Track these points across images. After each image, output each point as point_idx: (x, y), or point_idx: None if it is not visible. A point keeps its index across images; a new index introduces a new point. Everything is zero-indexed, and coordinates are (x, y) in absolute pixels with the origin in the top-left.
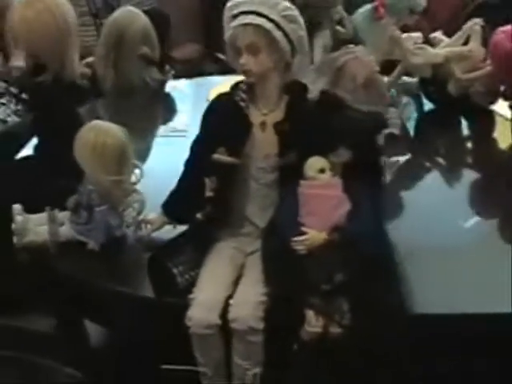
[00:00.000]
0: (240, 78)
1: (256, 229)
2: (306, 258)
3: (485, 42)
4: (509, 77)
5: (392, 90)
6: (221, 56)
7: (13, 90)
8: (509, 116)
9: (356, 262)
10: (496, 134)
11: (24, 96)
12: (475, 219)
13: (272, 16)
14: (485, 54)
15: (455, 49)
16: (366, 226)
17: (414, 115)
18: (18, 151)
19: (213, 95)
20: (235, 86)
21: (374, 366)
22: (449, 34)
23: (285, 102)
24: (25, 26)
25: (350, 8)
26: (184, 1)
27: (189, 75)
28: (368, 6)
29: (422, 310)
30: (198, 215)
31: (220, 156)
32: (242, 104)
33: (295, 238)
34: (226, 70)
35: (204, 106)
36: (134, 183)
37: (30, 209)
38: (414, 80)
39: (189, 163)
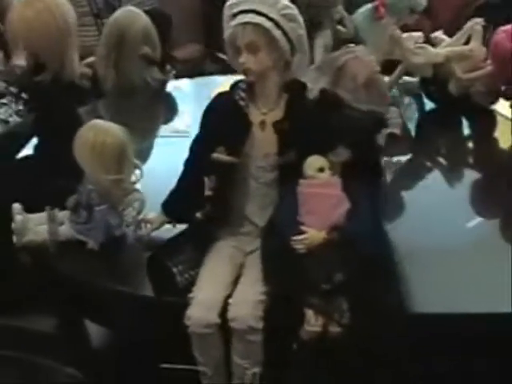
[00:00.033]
0: (242, 77)
1: (255, 228)
2: (306, 257)
3: (486, 42)
4: (510, 77)
5: (394, 90)
6: (222, 56)
7: (12, 89)
8: (509, 116)
9: (355, 261)
10: (497, 134)
11: (24, 95)
12: (478, 219)
13: (271, 15)
14: (486, 54)
15: (456, 48)
16: (365, 225)
17: (416, 116)
18: (18, 151)
19: None
20: (235, 85)
21: (374, 365)
22: (450, 34)
23: (284, 101)
24: (24, 25)
25: (351, 8)
26: (185, 1)
27: (190, 75)
28: (368, 6)
29: (422, 309)
30: (198, 214)
31: (219, 155)
32: (242, 103)
33: (294, 237)
34: (226, 70)
35: None
36: (134, 182)
37: (29, 208)
38: (415, 80)
39: (188, 162)
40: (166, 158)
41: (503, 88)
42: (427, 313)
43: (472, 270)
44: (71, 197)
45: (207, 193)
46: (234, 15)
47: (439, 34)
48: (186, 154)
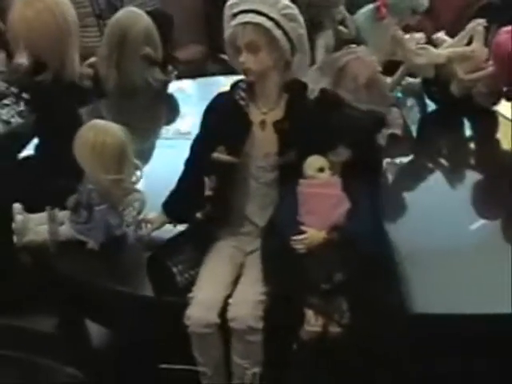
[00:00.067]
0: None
1: (256, 228)
2: (306, 257)
3: (488, 43)
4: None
5: (399, 92)
6: (224, 57)
7: (13, 89)
8: (511, 117)
9: (355, 261)
10: (498, 135)
11: (25, 95)
12: (481, 222)
13: (272, 14)
14: (487, 55)
15: (458, 49)
16: (366, 225)
17: (418, 117)
18: (20, 152)
19: None
20: (235, 85)
21: (374, 365)
22: (453, 35)
23: (284, 101)
24: (25, 25)
25: (352, 8)
26: (187, 2)
27: (192, 76)
28: (370, 6)
29: (422, 310)
30: (198, 214)
31: (219, 155)
32: (242, 103)
33: (294, 237)
34: (228, 71)
35: None
36: (134, 183)
37: (30, 208)
38: (417, 80)
39: (189, 162)
40: (169, 158)
41: (505, 89)
42: (428, 313)
43: (473, 270)
44: (71, 197)
45: (207, 193)
46: (235, 15)
47: (441, 34)
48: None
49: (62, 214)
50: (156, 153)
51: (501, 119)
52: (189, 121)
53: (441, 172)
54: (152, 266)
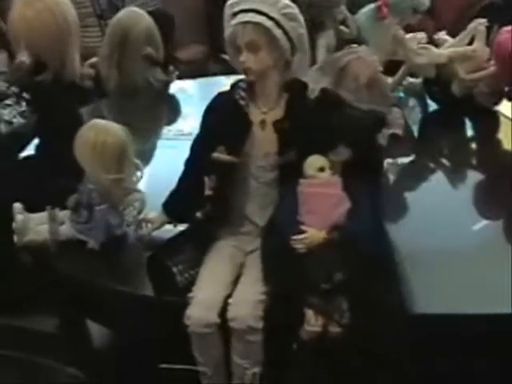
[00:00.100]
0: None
1: (256, 228)
2: (306, 256)
3: (490, 43)
4: None
5: (401, 92)
6: (225, 57)
7: (14, 89)
8: None
9: (355, 260)
10: (500, 135)
11: (25, 95)
12: (483, 223)
13: (272, 14)
14: (489, 55)
15: (459, 49)
16: (366, 225)
17: (419, 117)
18: (21, 152)
19: None
20: (235, 85)
21: (374, 365)
22: (454, 35)
23: (285, 101)
24: (25, 25)
25: (354, 8)
26: (188, 2)
27: (193, 76)
28: (371, 6)
29: (423, 310)
30: (198, 214)
31: (219, 155)
32: (242, 102)
33: (294, 237)
34: (230, 71)
35: None
36: (135, 182)
37: (30, 208)
38: (419, 80)
39: (189, 162)
40: (170, 159)
41: (506, 89)
42: (428, 313)
43: (474, 270)
44: (72, 196)
45: (207, 192)
46: (235, 14)
47: (442, 34)
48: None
49: (63, 214)
50: (158, 153)
51: (502, 119)
52: (191, 121)
53: (442, 172)
54: (152, 265)
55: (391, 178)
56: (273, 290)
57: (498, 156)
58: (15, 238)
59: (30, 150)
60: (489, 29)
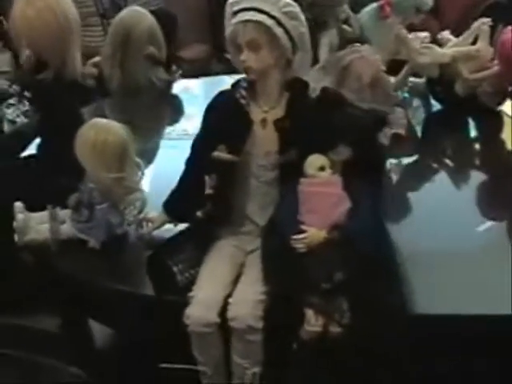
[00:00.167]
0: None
1: (256, 227)
2: (306, 256)
3: (493, 42)
4: None
5: (405, 92)
6: (228, 56)
7: (15, 87)
8: None
9: (356, 260)
10: (504, 135)
11: (26, 94)
12: (486, 222)
13: (273, 13)
14: (493, 54)
15: (462, 48)
16: (366, 224)
17: (423, 116)
18: (24, 150)
19: None
20: (236, 84)
21: (374, 365)
22: (458, 34)
23: (285, 99)
24: (26, 23)
25: (356, 7)
26: (191, 1)
27: (196, 75)
28: (374, 5)
29: (423, 310)
30: (198, 213)
31: (220, 153)
32: (243, 101)
33: (295, 236)
34: (234, 70)
35: None
36: (136, 181)
37: (31, 207)
38: (422, 80)
39: (190, 161)
40: (174, 158)
41: (510, 88)
42: (428, 314)
43: (476, 271)
44: (73, 195)
45: (208, 191)
46: (235, 13)
47: (446, 33)
48: None
49: (64, 213)
50: (162, 153)
51: (506, 119)
52: (195, 121)
53: (445, 172)
54: (152, 264)
55: (394, 177)
56: (273, 289)
57: (501, 156)
58: (16, 237)
59: (31, 149)
60: (493, 28)
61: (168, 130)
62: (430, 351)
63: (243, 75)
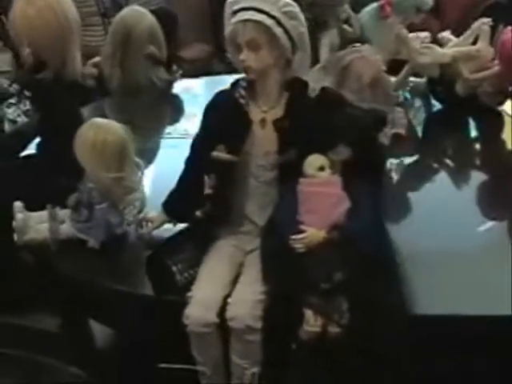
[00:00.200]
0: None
1: (255, 227)
2: (305, 256)
3: (495, 43)
4: None
5: (407, 92)
6: (229, 55)
7: (15, 86)
8: None
9: (355, 260)
10: (504, 135)
11: (26, 93)
12: (487, 222)
13: (272, 12)
14: (493, 54)
15: (463, 48)
16: (366, 225)
17: (423, 116)
18: (24, 150)
19: None
20: (235, 83)
21: (373, 365)
22: (459, 34)
23: (285, 99)
24: (26, 23)
25: (357, 7)
26: (192, 0)
27: (197, 75)
28: (374, 5)
29: (424, 311)
30: (198, 213)
31: (219, 153)
32: (242, 101)
33: (294, 236)
34: (235, 70)
35: None
36: (135, 181)
37: (30, 207)
38: (423, 80)
39: (189, 161)
40: (175, 158)
41: (511, 88)
42: (429, 314)
43: (476, 271)
44: (72, 195)
45: (207, 191)
46: (235, 12)
47: (447, 33)
48: None
49: (63, 213)
50: (163, 152)
51: (506, 118)
52: (196, 121)
53: (446, 172)
54: (152, 264)
55: (394, 177)
56: (272, 289)
57: (502, 156)
58: (15, 237)
59: (30, 149)
60: (493, 28)
61: (169, 129)
62: (430, 351)
63: (244, 75)
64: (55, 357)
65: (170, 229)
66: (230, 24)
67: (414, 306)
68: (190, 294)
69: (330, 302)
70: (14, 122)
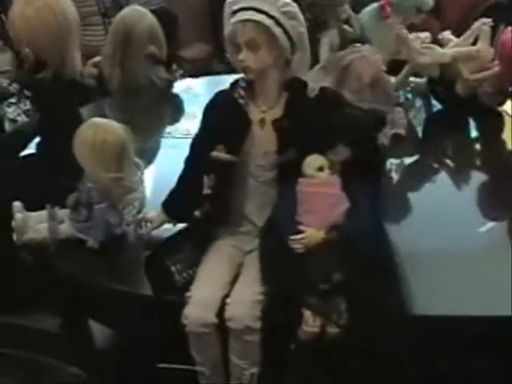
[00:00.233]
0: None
1: (254, 227)
2: (304, 256)
3: (495, 43)
4: None
5: (408, 93)
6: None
7: (15, 85)
8: None
9: (354, 261)
10: (504, 135)
11: (26, 93)
12: (487, 223)
13: (272, 12)
14: (493, 54)
15: (463, 49)
16: (365, 225)
17: (424, 117)
18: (24, 149)
19: None
20: (235, 83)
21: (373, 365)
22: (459, 34)
23: (284, 99)
24: (25, 23)
25: (357, 7)
26: (192, 0)
27: (197, 75)
28: (374, 5)
29: (424, 311)
30: (197, 213)
31: (218, 153)
32: (241, 101)
33: (293, 237)
34: (235, 70)
35: None
36: (135, 181)
37: (30, 206)
38: (423, 80)
39: (188, 161)
40: (174, 158)
41: (511, 89)
42: (429, 314)
43: (477, 272)
44: (71, 195)
45: (206, 191)
46: (234, 12)
47: (447, 34)
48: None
49: (62, 213)
50: (163, 152)
51: (507, 119)
52: (196, 121)
53: (446, 172)
54: (151, 264)
55: (394, 177)
56: (271, 290)
57: (502, 156)
58: (15, 237)
59: (29, 149)
60: (493, 29)
61: (169, 129)
62: (430, 351)
63: (243, 75)
64: (55, 357)
65: (169, 229)
66: (229, 24)
67: (413, 307)
68: (188, 294)
69: (329, 303)
70: (14, 121)
